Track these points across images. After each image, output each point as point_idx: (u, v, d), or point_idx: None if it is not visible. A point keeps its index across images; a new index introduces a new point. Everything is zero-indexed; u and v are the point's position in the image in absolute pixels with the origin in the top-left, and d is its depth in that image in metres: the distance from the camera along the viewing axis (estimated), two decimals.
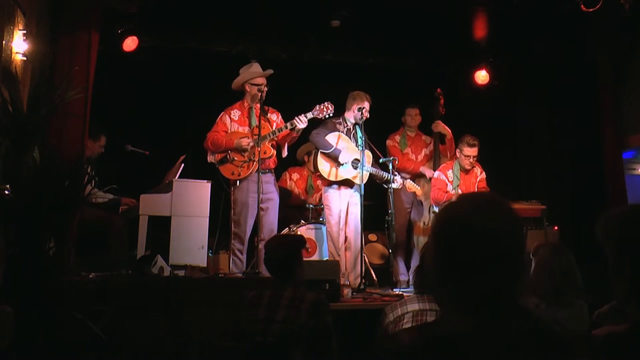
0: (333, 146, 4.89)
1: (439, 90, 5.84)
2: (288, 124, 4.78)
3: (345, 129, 5.04)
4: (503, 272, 1.12)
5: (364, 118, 4.91)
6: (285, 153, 5.06)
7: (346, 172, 4.93)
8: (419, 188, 5.22)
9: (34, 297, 2.95)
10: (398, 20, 5.78)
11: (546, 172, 6.48)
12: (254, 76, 4.97)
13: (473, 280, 1.11)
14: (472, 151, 5.11)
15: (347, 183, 4.98)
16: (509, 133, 6.95)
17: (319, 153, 4.95)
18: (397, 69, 6.75)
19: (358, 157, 4.89)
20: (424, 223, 5.51)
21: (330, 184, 5.00)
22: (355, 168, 4.91)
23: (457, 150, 5.22)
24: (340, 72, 6.47)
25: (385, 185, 5.08)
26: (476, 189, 5.22)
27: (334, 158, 4.90)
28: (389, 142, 5.71)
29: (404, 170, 5.48)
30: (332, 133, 4.96)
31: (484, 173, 5.33)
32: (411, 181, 5.21)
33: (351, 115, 5.00)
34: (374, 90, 5.30)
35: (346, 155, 4.88)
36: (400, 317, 2.31)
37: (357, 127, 4.97)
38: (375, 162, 5.08)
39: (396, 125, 5.88)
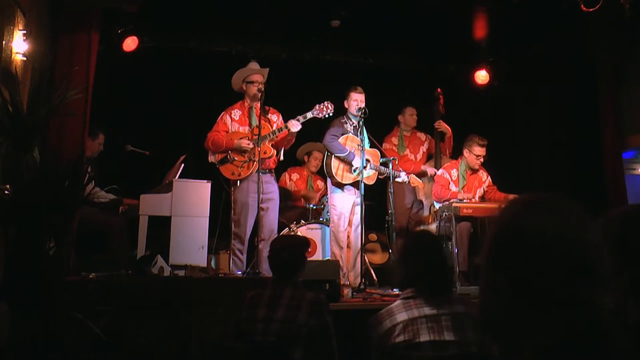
0: (347, 150, 4.90)
1: (438, 90, 5.85)
2: (286, 124, 4.78)
3: (352, 126, 5.04)
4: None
5: (361, 107, 4.89)
6: (281, 157, 5.03)
7: (357, 173, 4.94)
8: (421, 182, 5.22)
9: (34, 297, 2.94)
10: (398, 20, 5.78)
11: (546, 172, 6.49)
12: (249, 73, 4.98)
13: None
14: (482, 151, 5.13)
15: (355, 184, 4.98)
16: (508, 133, 6.95)
17: (333, 156, 4.94)
18: (397, 69, 6.75)
19: (368, 158, 4.91)
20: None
21: (338, 185, 5.00)
22: (365, 168, 4.92)
23: (466, 150, 5.20)
24: (340, 72, 6.47)
25: (389, 180, 5.05)
26: (482, 192, 5.21)
27: (348, 162, 4.91)
28: (385, 145, 5.65)
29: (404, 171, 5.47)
30: (342, 136, 4.96)
31: (489, 177, 5.31)
32: (414, 175, 5.20)
33: (353, 109, 4.98)
34: (374, 90, 5.29)
35: (359, 159, 4.87)
36: (391, 329, 2.17)
37: (361, 123, 4.95)
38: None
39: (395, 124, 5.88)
